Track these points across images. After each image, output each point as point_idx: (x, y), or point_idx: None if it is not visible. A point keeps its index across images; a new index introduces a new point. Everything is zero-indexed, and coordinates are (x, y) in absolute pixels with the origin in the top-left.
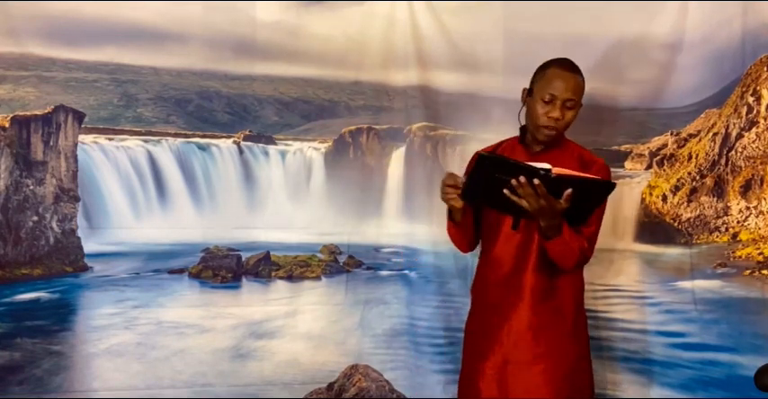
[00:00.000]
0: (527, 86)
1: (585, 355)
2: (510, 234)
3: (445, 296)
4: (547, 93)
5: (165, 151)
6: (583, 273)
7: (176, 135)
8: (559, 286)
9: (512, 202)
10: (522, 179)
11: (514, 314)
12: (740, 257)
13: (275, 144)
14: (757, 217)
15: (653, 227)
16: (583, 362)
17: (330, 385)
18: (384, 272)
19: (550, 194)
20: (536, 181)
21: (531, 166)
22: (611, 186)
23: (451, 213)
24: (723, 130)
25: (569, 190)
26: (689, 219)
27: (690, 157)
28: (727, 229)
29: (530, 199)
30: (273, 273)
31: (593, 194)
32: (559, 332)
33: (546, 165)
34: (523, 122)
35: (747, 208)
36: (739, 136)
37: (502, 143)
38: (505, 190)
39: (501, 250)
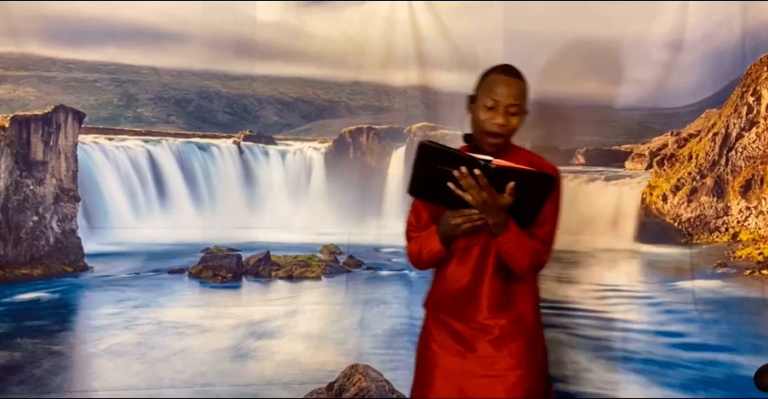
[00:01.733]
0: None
1: (544, 362)
2: (466, 248)
3: None
4: (489, 98)
5: (165, 151)
6: (538, 283)
7: (176, 135)
8: (517, 296)
9: (458, 197)
10: (464, 169)
11: (474, 327)
12: (740, 257)
13: (275, 144)
14: (757, 217)
15: (653, 227)
16: (541, 370)
17: (330, 385)
18: (384, 272)
19: (494, 188)
20: (477, 171)
21: (470, 156)
22: (551, 179)
23: (445, 241)
24: (723, 130)
25: (512, 183)
26: (689, 219)
27: (690, 157)
28: (727, 229)
29: (472, 191)
30: (273, 273)
31: (536, 189)
32: (521, 342)
33: (487, 157)
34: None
35: (747, 208)
36: (739, 136)
37: None
38: (449, 183)
39: (458, 265)
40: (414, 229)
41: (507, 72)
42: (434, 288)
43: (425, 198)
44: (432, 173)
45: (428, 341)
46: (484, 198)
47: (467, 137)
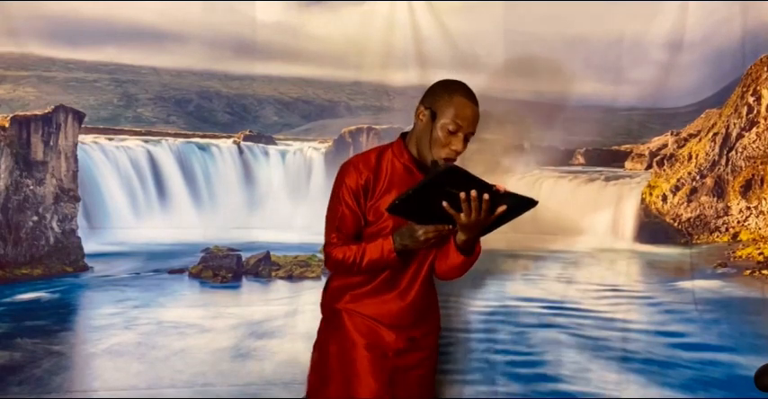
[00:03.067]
0: (427, 106)
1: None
2: (406, 258)
3: (444, 296)
4: (454, 122)
5: (165, 151)
6: None
7: (176, 135)
8: (434, 304)
9: (437, 214)
10: (474, 193)
11: (402, 331)
12: (740, 257)
13: (275, 144)
14: (757, 217)
15: (653, 227)
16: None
17: None
18: None
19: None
20: (485, 196)
21: (485, 183)
22: (534, 204)
23: (402, 252)
24: (723, 130)
25: (503, 207)
26: (689, 219)
27: (690, 157)
28: (727, 229)
29: (473, 212)
30: (273, 273)
31: (515, 211)
32: (435, 341)
33: (489, 183)
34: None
35: (747, 208)
36: (739, 136)
37: (380, 154)
38: (444, 203)
39: (393, 272)
40: (338, 235)
41: (471, 97)
42: (358, 292)
43: (402, 213)
44: (433, 193)
45: (345, 343)
46: (479, 219)
47: (403, 136)
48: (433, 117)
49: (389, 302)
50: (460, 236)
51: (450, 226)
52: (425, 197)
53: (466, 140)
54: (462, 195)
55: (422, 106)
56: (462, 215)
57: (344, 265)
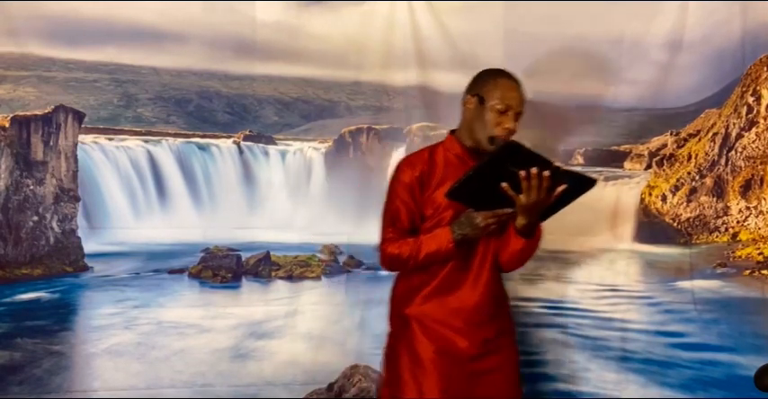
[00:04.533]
0: (475, 93)
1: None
2: (468, 250)
3: None
4: (503, 103)
5: (165, 151)
6: None
7: (176, 135)
8: (504, 297)
9: (497, 198)
10: (535, 170)
11: (476, 332)
12: (740, 257)
13: (275, 144)
14: (757, 216)
15: (652, 227)
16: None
17: (330, 386)
18: (384, 272)
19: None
20: (546, 173)
21: (547, 159)
22: (593, 183)
23: (460, 242)
24: (723, 130)
25: (564, 186)
26: (688, 219)
27: (689, 157)
28: (726, 229)
29: (533, 191)
30: (273, 273)
31: (574, 191)
32: (510, 339)
33: (549, 159)
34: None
35: (747, 208)
36: (739, 136)
37: (432, 150)
38: (504, 183)
39: (458, 266)
40: (394, 230)
41: (515, 79)
42: (423, 293)
43: (461, 198)
44: (492, 173)
45: (419, 349)
46: (539, 199)
47: (452, 132)
48: (481, 101)
49: (459, 298)
50: (520, 220)
51: (511, 210)
52: (485, 178)
53: (515, 120)
54: (523, 173)
55: (468, 94)
56: (522, 195)
57: (400, 260)
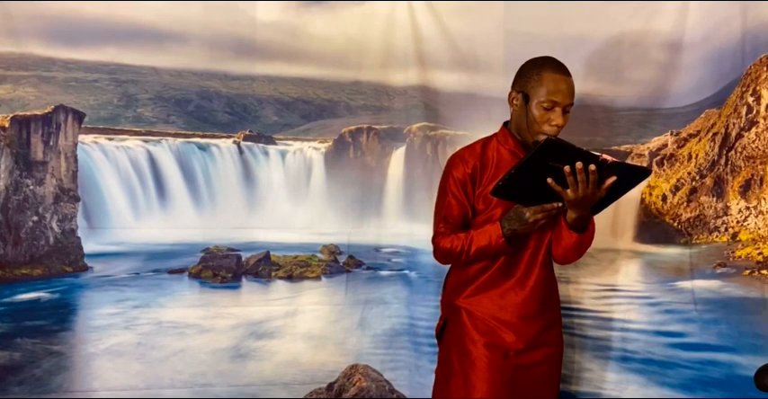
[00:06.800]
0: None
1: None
2: (519, 245)
3: None
4: (548, 100)
5: (165, 151)
6: None
7: (176, 135)
8: (555, 292)
9: (544, 193)
10: (579, 165)
11: (524, 327)
12: (740, 257)
13: (275, 144)
14: (757, 216)
15: (652, 227)
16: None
17: (330, 386)
18: (384, 272)
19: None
20: (592, 167)
21: (590, 152)
22: (648, 173)
23: (511, 237)
24: (723, 130)
25: (613, 178)
26: (689, 219)
27: (689, 157)
28: (726, 229)
29: (580, 186)
30: (273, 273)
31: (627, 183)
32: (557, 331)
33: (595, 152)
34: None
35: (747, 208)
36: (739, 136)
37: (485, 144)
38: (549, 179)
39: (508, 261)
40: (446, 225)
41: (562, 69)
42: (476, 284)
43: (507, 195)
44: (535, 170)
45: (467, 340)
46: (587, 193)
47: (506, 124)
48: (526, 99)
49: (509, 291)
50: (571, 215)
51: (559, 204)
52: (529, 175)
53: (565, 113)
54: (567, 168)
55: (513, 91)
56: (569, 190)
57: (452, 254)
